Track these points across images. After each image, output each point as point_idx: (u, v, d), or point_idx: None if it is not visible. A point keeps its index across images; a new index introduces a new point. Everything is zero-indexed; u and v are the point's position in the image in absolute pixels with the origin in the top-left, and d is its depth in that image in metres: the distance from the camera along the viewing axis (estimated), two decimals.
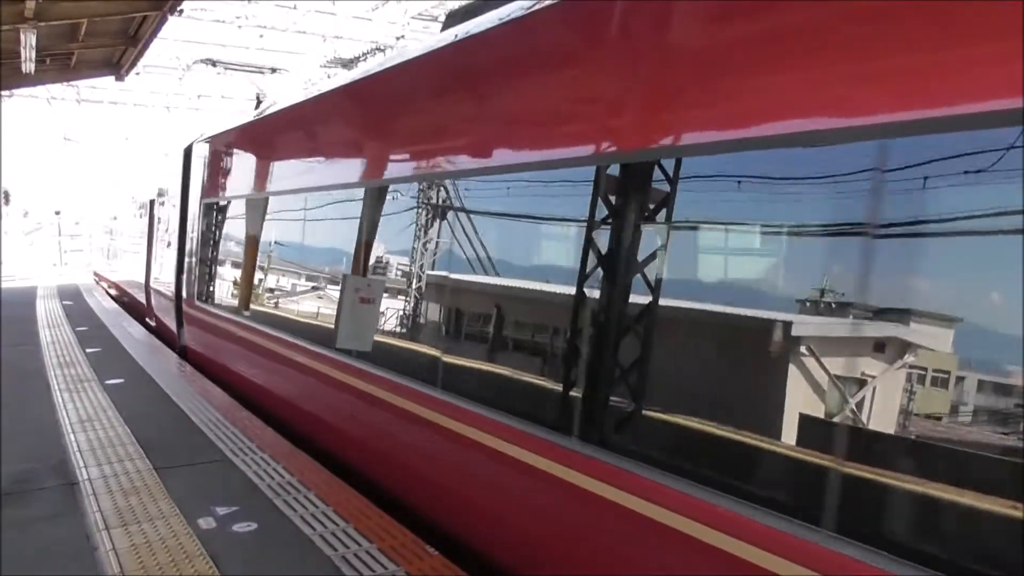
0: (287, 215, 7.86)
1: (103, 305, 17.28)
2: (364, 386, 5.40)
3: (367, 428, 5.58)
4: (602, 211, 3.60)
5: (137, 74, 20.94)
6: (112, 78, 18.63)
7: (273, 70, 13.07)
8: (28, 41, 11.65)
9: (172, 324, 11.99)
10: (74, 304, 17.20)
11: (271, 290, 8.35)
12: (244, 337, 8.20)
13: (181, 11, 14.09)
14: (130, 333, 12.54)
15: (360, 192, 5.95)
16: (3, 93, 21.39)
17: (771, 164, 2.82)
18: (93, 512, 4.53)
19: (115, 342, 11.46)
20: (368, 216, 5.91)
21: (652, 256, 3.33)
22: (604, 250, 3.54)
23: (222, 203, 9.91)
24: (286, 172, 7.91)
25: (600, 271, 3.56)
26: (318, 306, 7.11)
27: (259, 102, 12.08)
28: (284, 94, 9.82)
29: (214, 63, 13.46)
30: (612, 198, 3.56)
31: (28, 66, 13.09)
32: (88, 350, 10.52)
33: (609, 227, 3.54)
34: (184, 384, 8.39)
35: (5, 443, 5.86)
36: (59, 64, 16.63)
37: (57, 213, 44.51)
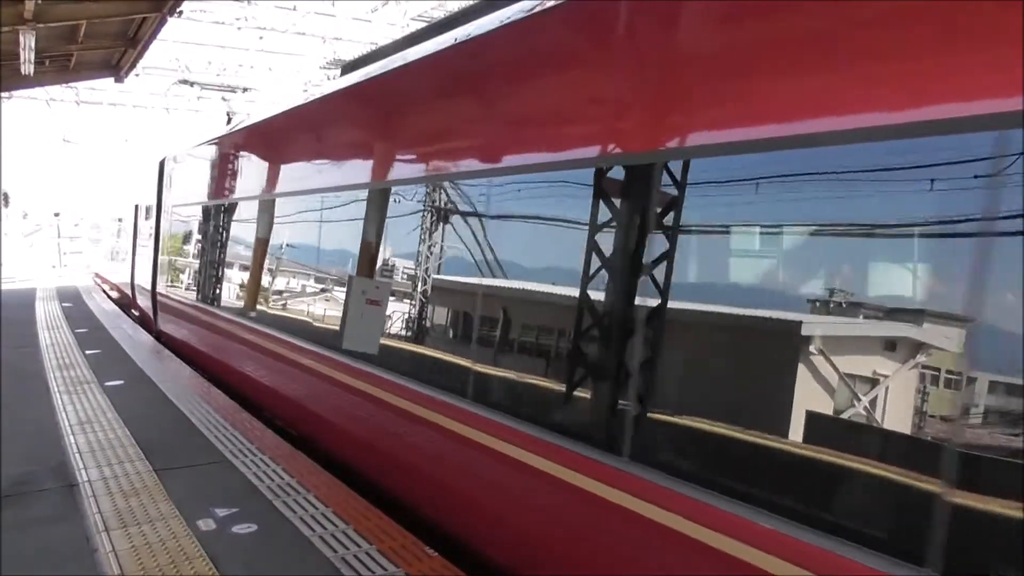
0: (229, 218, 9.84)
1: (102, 307, 17.28)
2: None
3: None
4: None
5: (136, 76, 20.97)
6: (111, 80, 18.64)
7: (245, 89, 15.00)
8: (27, 42, 11.65)
9: (151, 313, 13.91)
10: (73, 306, 17.19)
11: (222, 280, 10.18)
12: (200, 318, 10.42)
13: (180, 13, 14.09)
14: (129, 335, 12.53)
15: (268, 200, 8.34)
16: (3, 95, 21.39)
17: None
18: (93, 514, 4.53)
19: (114, 344, 11.46)
20: (277, 218, 8.13)
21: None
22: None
23: (184, 209, 12.24)
24: (225, 185, 10.08)
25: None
26: (235, 287, 9.65)
27: (229, 120, 13.65)
28: (224, 126, 12.59)
29: (191, 84, 14.78)
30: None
31: (27, 68, 13.09)
32: (87, 352, 10.52)
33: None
34: (183, 386, 8.39)
35: (5, 445, 5.86)
36: (58, 66, 16.63)
37: (56, 215, 44.55)
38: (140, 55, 15.94)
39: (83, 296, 19.75)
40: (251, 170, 9.44)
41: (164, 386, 8.31)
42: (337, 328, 6.04)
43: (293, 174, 7.90)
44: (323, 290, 7.19)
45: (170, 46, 22.98)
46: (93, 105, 26.87)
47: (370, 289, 5.73)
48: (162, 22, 13.04)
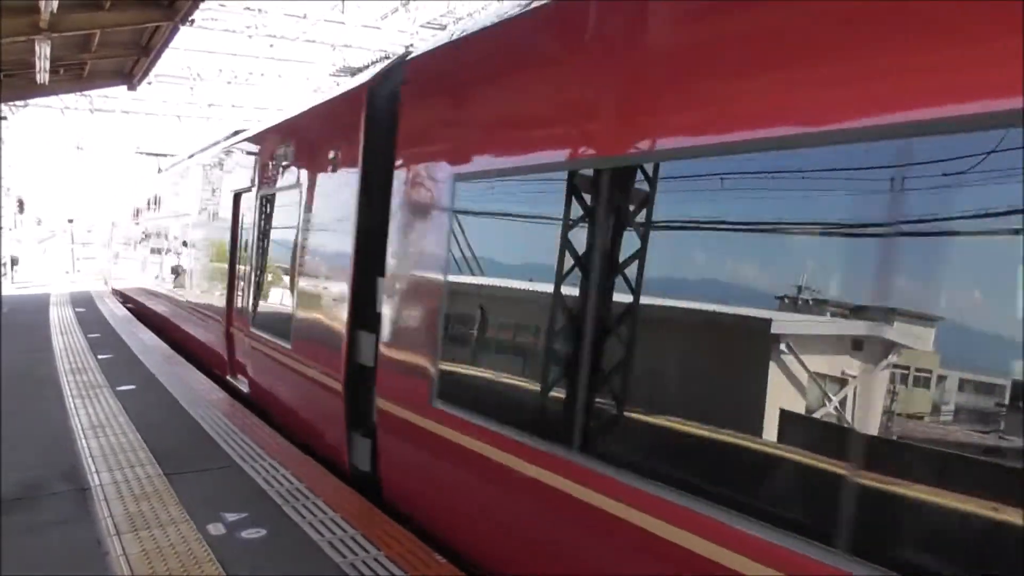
0: (185, 229, 12.63)
1: (114, 312, 17.41)
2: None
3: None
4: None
5: (149, 83, 21.17)
6: (124, 88, 18.82)
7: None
8: (42, 51, 11.80)
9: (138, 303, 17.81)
10: (86, 311, 17.34)
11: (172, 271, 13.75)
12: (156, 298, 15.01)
13: (192, 21, 14.23)
14: (141, 340, 12.62)
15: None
16: (18, 103, 21.64)
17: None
18: (104, 517, 4.58)
19: (126, 349, 11.55)
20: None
21: None
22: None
23: (161, 218, 15.33)
24: (178, 203, 13.49)
25: None
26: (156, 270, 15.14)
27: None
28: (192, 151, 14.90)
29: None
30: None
31: (42, 76, 13.25)
32: (100, 356, 10.62)
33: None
34: (194, 391, 8.45)
35: (19, 448, 5.92)
36: (72, 74, 16.81)
37: (70, 221, 44.88)
38: (152, 63, 16.09)
39: (95, 301, 19.91)
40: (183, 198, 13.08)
41: (175, 391, 8.37)
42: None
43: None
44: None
45: (182, 54, 23.23)
46: (106, 113, 27.14)
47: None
48: (174, 30, 13.17)
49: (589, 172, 3.45)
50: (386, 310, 5.03)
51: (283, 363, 6.95)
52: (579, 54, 3.65)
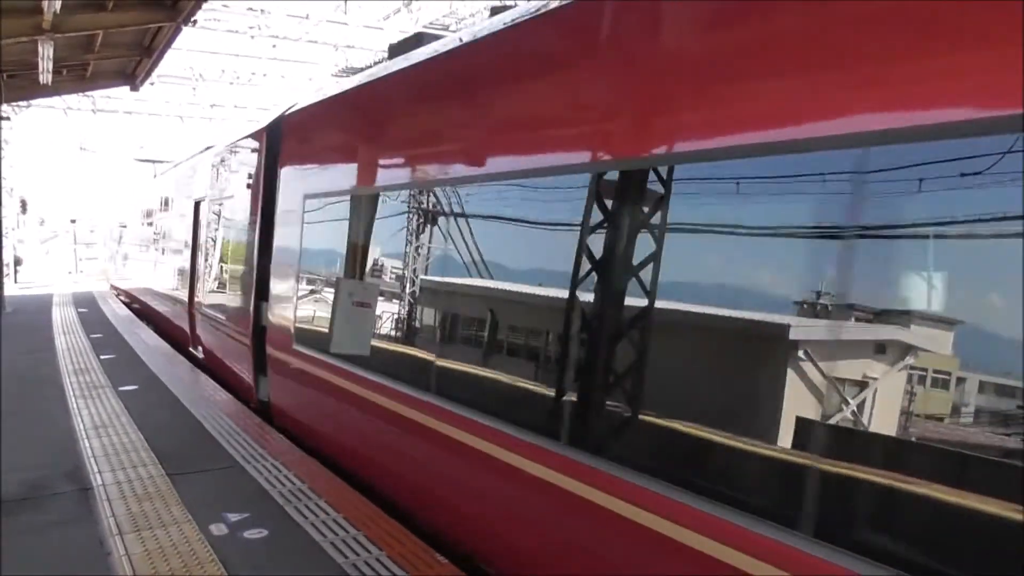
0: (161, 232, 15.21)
1: (116, 312, 17.45)
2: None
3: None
4: None
5: (152, 84, 21.22)
6: (127, 88, 18.87)
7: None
8: (46, 52, 11.83)
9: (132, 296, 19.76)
10: (88, 311, 17.38)
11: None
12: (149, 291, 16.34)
13: (195, 22, 14.26)
14: (142, 340, 12.65)
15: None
16: (21, 104, 21.68)
17: None
18: (107, 517, 4.58)
19: (129, 349, 11.57)
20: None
21: None
22: None
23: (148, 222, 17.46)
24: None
25: None
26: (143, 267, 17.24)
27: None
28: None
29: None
30: None
31: (45, 77, 13.28)
32: (102, 357, 10.63)
33: None
34: (196, 391, 8.46)
35: (23, 449, 5.94)
36: (75, 75, 16.86)
37: (73, 221, 44.93)
38: (155, 64, 16.13)
39: (98, 302, 19.95)
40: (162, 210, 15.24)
41: (177, 391, 8.38)
42: None
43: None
44: None
45: (184, 55, 23.27)
46: (109, 113, 27.20)
47: None
48: (177, 31, 13.20)
49: (357, 195, 5.89)
50: (272, 286, 7.51)
51: (220, 331, 9.48)
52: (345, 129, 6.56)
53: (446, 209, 4.71)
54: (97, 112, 26.86)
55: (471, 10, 18.58)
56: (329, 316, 6.02)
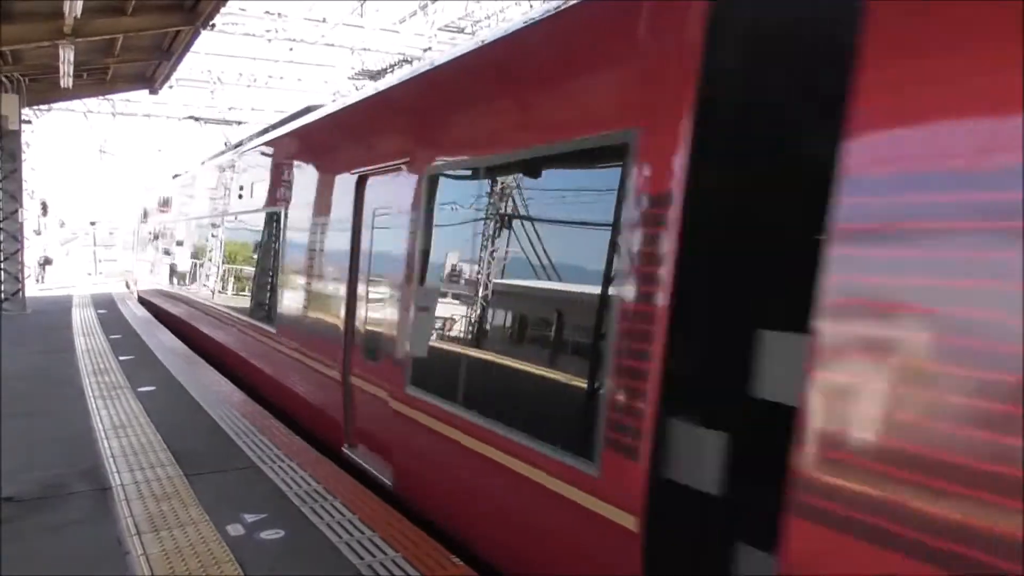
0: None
1: (135, 314, 17.62)
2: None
3: None
4: None
5: (170, 87, 21.43)
6: (146, 91, 19.06)
7: (239, 123, 19.08)
8: (66, 56, 11.98)
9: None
10: (108, 312, 17.56)
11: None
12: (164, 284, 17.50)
13: (213, 26, 14.38)
14: (161, 342, 12.76)
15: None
16: (42, 107, 21.97)
17: None
18: (125, 517, 4.61)
19: (147, 350, 11.67)
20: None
21: None
22: None
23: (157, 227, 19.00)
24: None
25: None
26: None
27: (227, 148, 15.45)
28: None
29: (197, 119, 18.36)
30: None
31: (66, 81, 13.45)
32: (121, 358, 10.73)
33: None
34: (214, 392, 8.52)
35: (42, 448, 5.99)
36: (95, 78, 17.06)
37: (93, 223, 45.46)
38: (174, 67, 16.29)
39: (117, 304, 20.16)
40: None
41: (195, 392, 8.44)
42: None
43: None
44: None
45: (202, 58, 23.47)
46: (128, 116, 27.50)
47: None
48: (195, 35, 13.32)
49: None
50: None
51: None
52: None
53: None
54: (116, 115, 27.18)
55: (487, 12, 18.60)
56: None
